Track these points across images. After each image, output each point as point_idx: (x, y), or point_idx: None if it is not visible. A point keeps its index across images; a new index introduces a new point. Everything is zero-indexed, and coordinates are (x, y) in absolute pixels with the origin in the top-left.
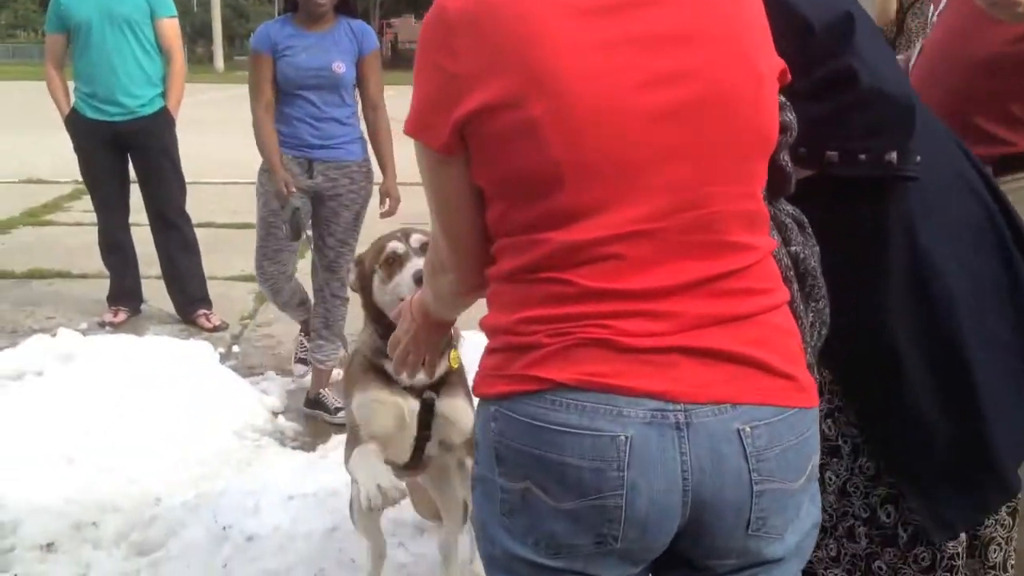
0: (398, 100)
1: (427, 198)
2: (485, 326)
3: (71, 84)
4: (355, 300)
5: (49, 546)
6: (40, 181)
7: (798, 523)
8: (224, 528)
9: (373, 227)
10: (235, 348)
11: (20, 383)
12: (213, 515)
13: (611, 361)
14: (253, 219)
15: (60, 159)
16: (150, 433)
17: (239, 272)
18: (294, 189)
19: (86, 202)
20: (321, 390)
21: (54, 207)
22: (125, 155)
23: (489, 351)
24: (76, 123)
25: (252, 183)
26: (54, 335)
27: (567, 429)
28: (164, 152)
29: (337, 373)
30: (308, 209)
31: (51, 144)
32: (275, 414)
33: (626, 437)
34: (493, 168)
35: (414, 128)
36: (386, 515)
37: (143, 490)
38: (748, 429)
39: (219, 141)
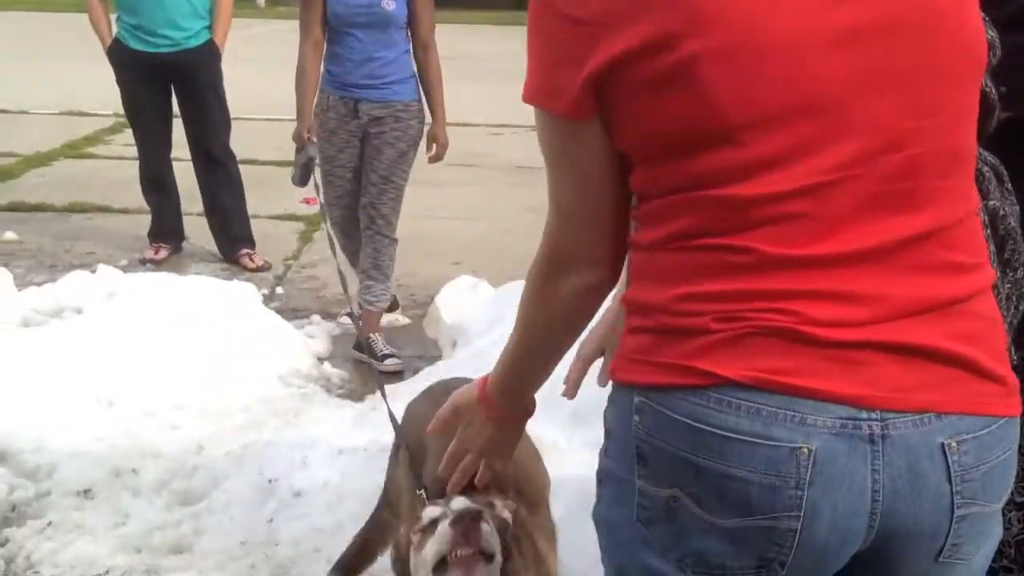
0: (450, 37)
1: (551, 181)
2: (629, 301)
3: (113, 16)
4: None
5: (86, 492)
6: (81, 113)
7: (989, 544)
8: (270, 481)
9: (422, 172)
10: (279, 290)
11: (59, 320)
12: (259, 468)
13: (794, 355)
14: (291, 157)
15: (102, 91)
16: (192, 377)
17: (282, 211)
18: (314, 139)
19: (128, 135)
20: (370, 334)
21: (95, 140)
22: (169, 88)
23: (634, 330)
24: (119, 54)
25: (276, 119)
26: (94, 271)
27: (736, 436)
28: (210, 86)
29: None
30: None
31: (93, 75)
32: (321, 360)
33: (809, 450)
34: (638, 127)
35: (535, 93)
36: None
37: (185, 437)
38: (954, 444)
39: (262, 77)
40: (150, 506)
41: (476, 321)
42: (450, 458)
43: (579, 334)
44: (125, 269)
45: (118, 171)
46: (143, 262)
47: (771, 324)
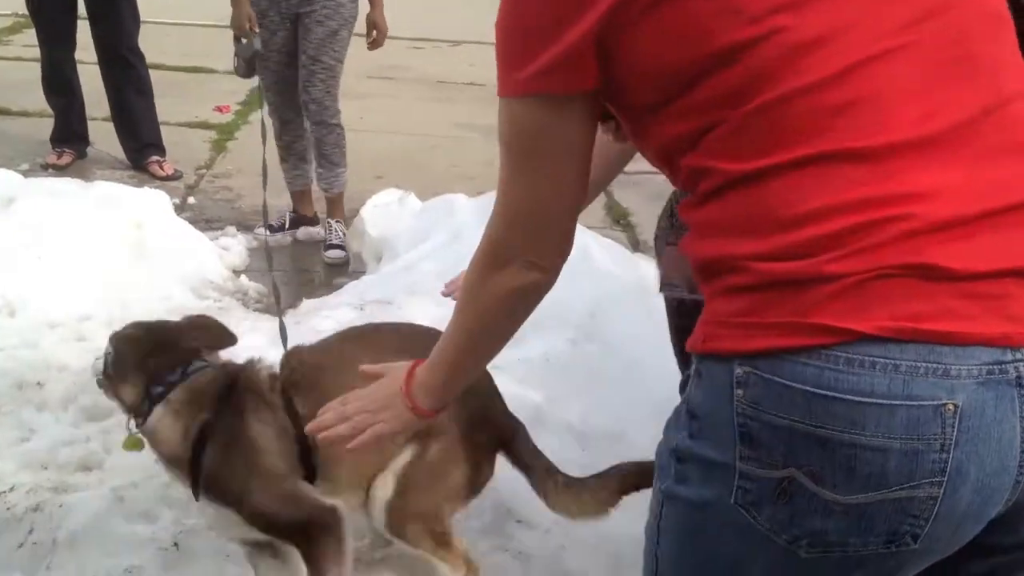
0: None
1: (509, 179)
2: (706, 261)
3: None
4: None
5: None
6: None
7: None
8: None
9: (361, 60)
10: (191, 200)
11: None
12: None
13: (930, 296)
14: (207, 63)
15: None
16: (97, 287)
17: (193, 119)
18: (256, 28)
19: (27, 35)
20: (331, 219)
21: None
22: None
23: (725, 291)
24: None
25: (207, 24)
26: None
27: (871, 400)
28: None
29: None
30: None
31: None
32: (236, 273)
33: (955, 407)
34: (658, 60)
35: (522, 82)
36: None
37: (92, 350)
38: None
39: None
40: (56, 422)
41: (402, 235)
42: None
43: (508, 337)
44: (26, 174)
45: (18, 72)
46: (45, 167)
47: (903, 262)
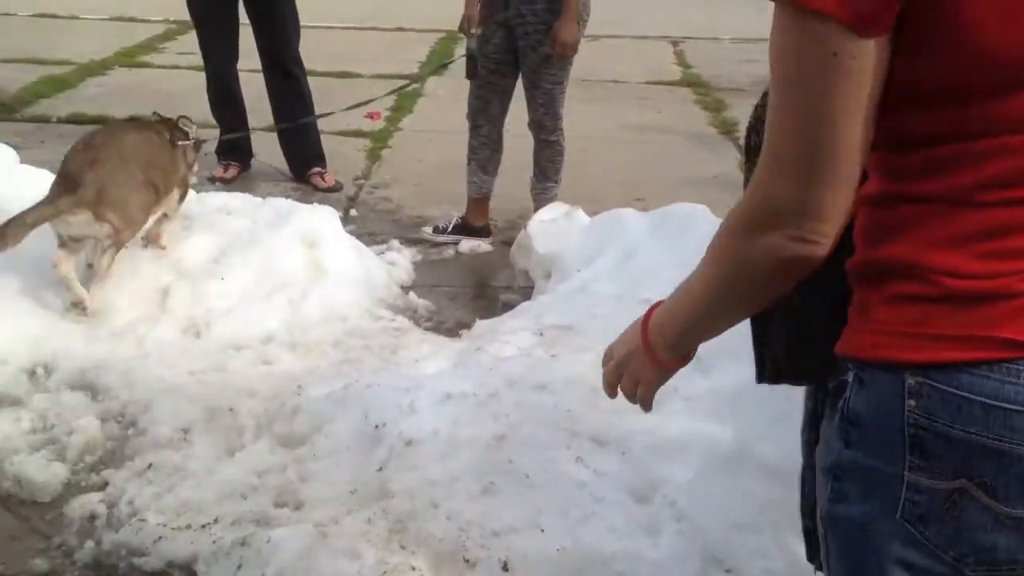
0: None
1: (781, 111)
2: (883, 263)
3: None
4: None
5: (184, 432)
6: (132, 19)
7: None
8: (376, 427)
9: None
10: (352, 212)
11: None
12: (363, 411)
13: None
14: (353, 67)
15: None
16: (279, 308)
17: (346, 127)
18: (474, 30)
19: (181, 43)
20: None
21: (148, 48)
22: None
23: (898, 298)
24: None
25: (353, 27)
26: None
27: None
28: None
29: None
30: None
31: None
32: (405, 289)
33: None
34: (955, 42)
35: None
36: (559, 424)
37: (279, 374)
38: None
39: None
40: (251, 449)
41: (571, 252)
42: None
43: (761, 307)
44: (195, 187)
45: (174, 81)
46: (212, 180)
47: None
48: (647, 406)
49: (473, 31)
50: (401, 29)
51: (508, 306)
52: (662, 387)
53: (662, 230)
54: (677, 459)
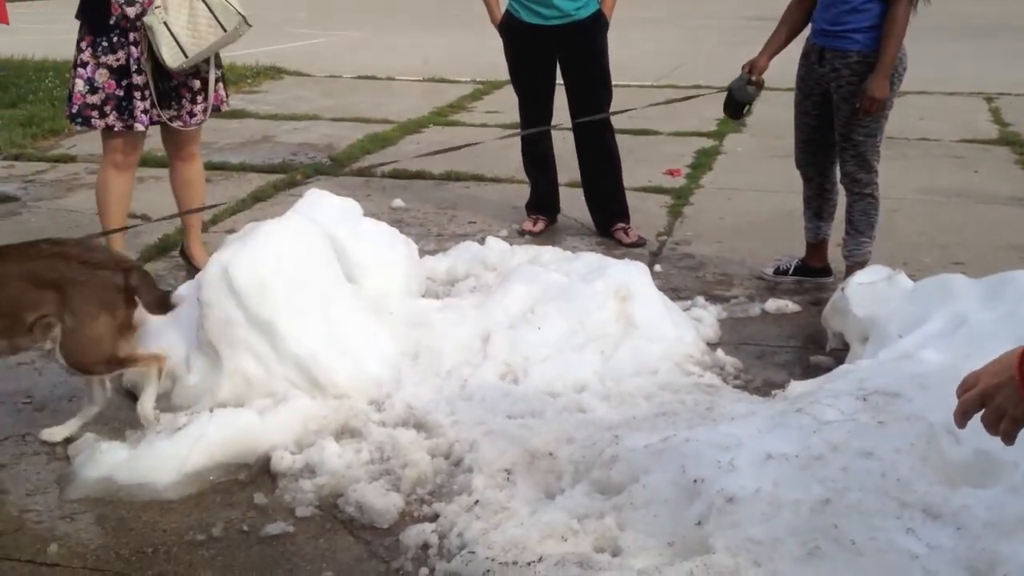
0: None
1: None
2: None
3: None
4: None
5: (507, 473)
6: (442, 80)
7: None
8: (695, 482)
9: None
10: (656, 267)
11: (453, 291)
12: (680, 465)
13: None
14: (651, 125)
15: (458, 57)
16: (590, 358)
17: (647, 183)
18: (747, 72)
19: (488, 102)
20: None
21: (459, 107)
22: (555, 59)
23: None
24: (510, 27)
25: (648, 85)
26: (482, 242)
27: None
28: (596, 56)
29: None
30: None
31: (449, 42)
32: (712, 346)
33: None
34: None
35: None
36: (888, 492)
37: (595, 423)
38: None
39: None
40: (570, 493)
41: (893, 317)
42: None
43: None
44: (506, 239)
45: (483, 137)
46: (521, 233)
47: None
48: (1010, 440)
49: (753, 77)
50: (698, 87)
51: (818, 368)
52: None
53: (996, 298)
54: (1019, 537)
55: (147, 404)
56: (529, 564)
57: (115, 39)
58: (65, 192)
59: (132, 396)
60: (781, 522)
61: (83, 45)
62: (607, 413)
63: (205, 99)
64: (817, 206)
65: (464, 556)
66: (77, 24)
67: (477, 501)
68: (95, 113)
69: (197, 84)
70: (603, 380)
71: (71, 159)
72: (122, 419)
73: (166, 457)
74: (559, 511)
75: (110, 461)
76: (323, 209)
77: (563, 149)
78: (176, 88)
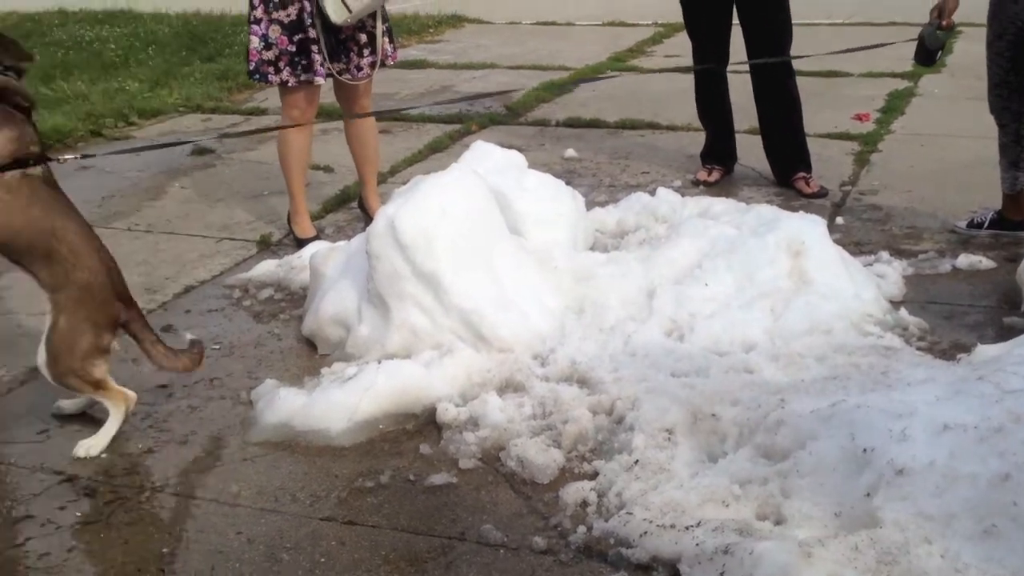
0: None
1: None
2: None
3: None
4: None
5: (669, 433)
6: (622, 24)
7: None
8: (864, 451)
9: None
10: (838, 220)
11: (622, 244)
12: (849, 432)
13: None
14: (841, 66)
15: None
16: (762, 318)
17: (832, 129)
18: (940, 20)
19: (667, 46)
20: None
21: (638, 52)
22: (731, 2)
23: None
24: None
25: (840, 23)
26: (653, 193)
27: None
28: None
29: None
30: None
31: None
32: (895, 304)
33: None
34: None
35: None
36: None
37: (761, 385)
38: None
39: None
40: (732, 457)
41: None
42: None
43: None
44: (679, 190)
45: (661, 83)
46: (696, 183)
47: None
48: None
49: (943, 22)
50: (893, 24)
51: (1012, 330)
52: None
53: None
54: None
55: (103, 440)
56: (687, 528)
57: None
58: (256, 144)
59: (310, 344)
60: (956, 497)
61: (255, 2)
62: (775, 374)
63: (372, 53)
64: (1014, 154)
65: (622, 516)
66: None
67: (637, 461)
68: (271, 69)
69: (364, 38)
70: (773, 340)
71: (263, 112)
72: (301, 366)
73: (338, 405)
74: (721, 475)
75: (288, 407)
76: (488, 162)
77: (742, 95)
78: (344, 42)
